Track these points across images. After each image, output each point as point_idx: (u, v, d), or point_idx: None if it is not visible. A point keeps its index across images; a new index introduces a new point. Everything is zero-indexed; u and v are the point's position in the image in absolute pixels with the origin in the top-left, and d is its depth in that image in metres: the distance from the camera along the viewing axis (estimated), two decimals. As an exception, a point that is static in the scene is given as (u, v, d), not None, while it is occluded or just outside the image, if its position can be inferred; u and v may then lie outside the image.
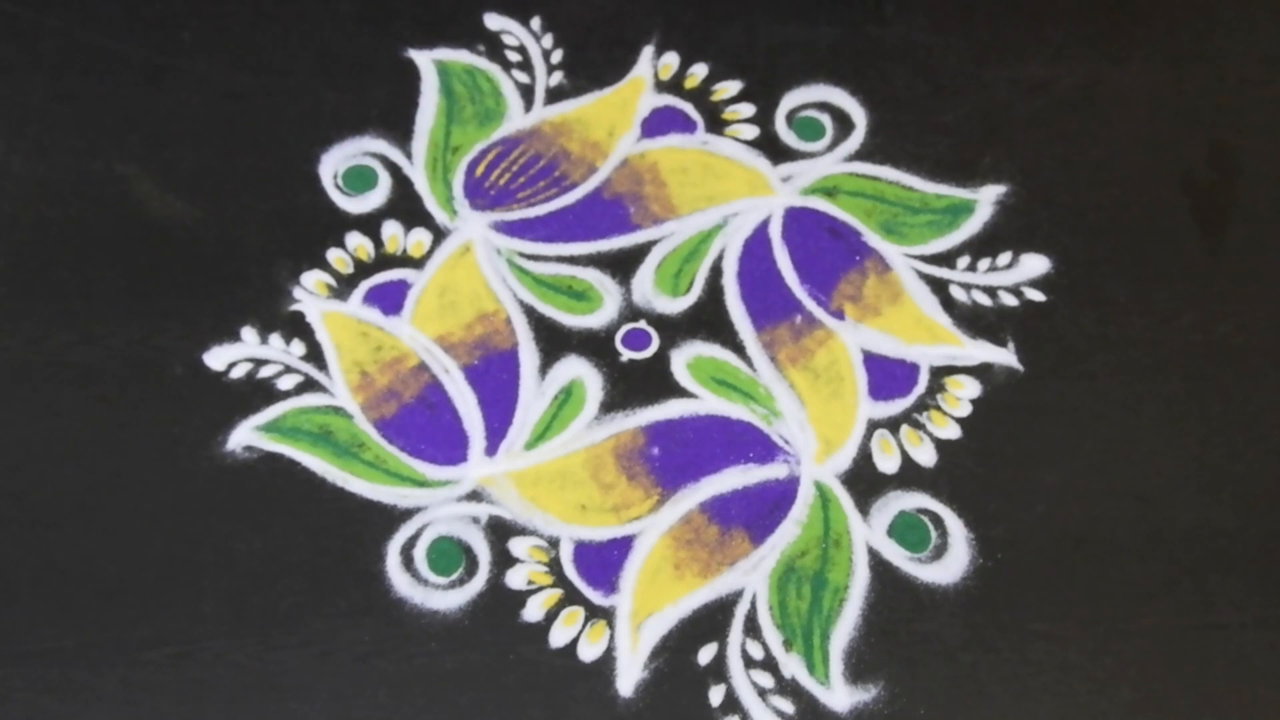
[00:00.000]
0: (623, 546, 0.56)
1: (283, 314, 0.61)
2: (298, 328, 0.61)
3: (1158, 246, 0.64)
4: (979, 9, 0.71)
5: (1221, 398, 0.60)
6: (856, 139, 0.67)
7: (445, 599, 0.55)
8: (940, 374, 0.61)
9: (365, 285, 0.62)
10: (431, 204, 0.65)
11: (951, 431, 0.59)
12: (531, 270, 0.63)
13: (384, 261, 0.63)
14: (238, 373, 0.59)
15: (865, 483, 0.58)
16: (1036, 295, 0.63)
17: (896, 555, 0.56)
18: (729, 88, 0.68)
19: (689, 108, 0.68)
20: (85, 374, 0.59)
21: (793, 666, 0.53)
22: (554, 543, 0.56)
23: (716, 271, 0.63)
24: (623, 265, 0.63)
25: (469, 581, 0.55)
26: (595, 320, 0.62)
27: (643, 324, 0.62)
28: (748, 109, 0.67)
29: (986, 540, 0.56)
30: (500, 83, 0.68)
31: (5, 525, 0.56)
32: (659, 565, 0.56)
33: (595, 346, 0.61)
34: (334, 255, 0.63)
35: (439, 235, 0.64)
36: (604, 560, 0.56)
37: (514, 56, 0.69)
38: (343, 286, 0.62)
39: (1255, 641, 0.54)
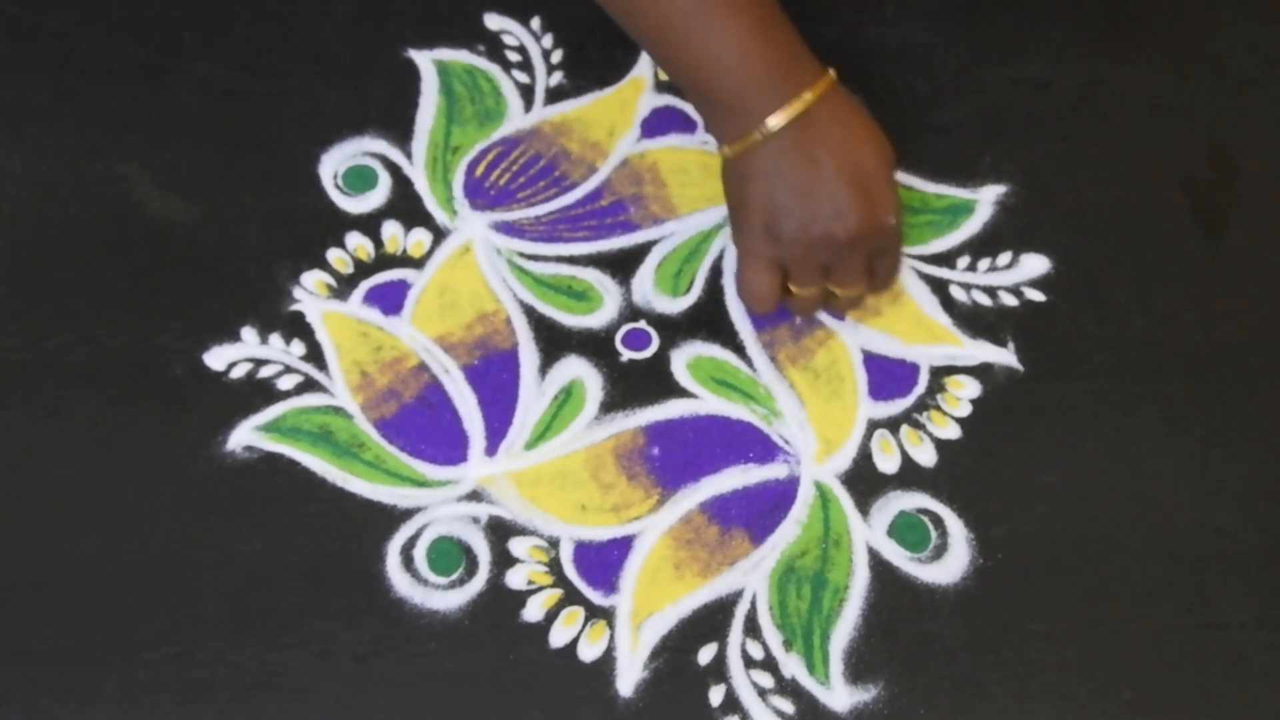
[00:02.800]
0: (623, 546, 0.56)
1: (283, 314, 0.61)
2: (298, 328, 0.61)
3: (1158, 246, 0.64)
4: (979, 9, 0.71)
5: (1221, 398, 0.60)
6: (856, 139, 0.67)
7: (445, 599, 0.55)
8: (940, 374, 0.61)
9: (365, 285, 0.62)
10: (431, 204, 0.65)
11: (951, 431, 0.59)
12: (531, 270, 0.63)
13: (384, 261, 0.63)
14: (238, 373, 0.60)
15: (865, 483, 0.58)
16: (1036, 295, 0.63)
17: (896, 555, 0.56)
18: (729, 88, 0.68)
19: (689, 108, 0.67)
20: (85, 374, 0.59)
21: (793, 666, 0.54)
22: (554, 543, 0.56)
23: (716, 271, 0.63)
24: (623, 265, 0.63)
25: (469, 581, 0.55)
26: (595, 320, 0.62)
27: (643, 324, 0.62)
28: (748, 109, 0.67)
29: (986, 540, 0.56)
30: (500, 83, 0.68)
31: (5, 525, 0.56)
32: (659, 565, 0.56)
33: (595, 346, 0.61)
34: (334, 255, 0.63)
35: (439, 235, 0.64)
36: (604, 560, 0.56)
37: (514, 56, 0.69)
38: (343, 286, 0.62)
39: (1255, 641, 0.54)
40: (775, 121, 0.53)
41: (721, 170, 0.57)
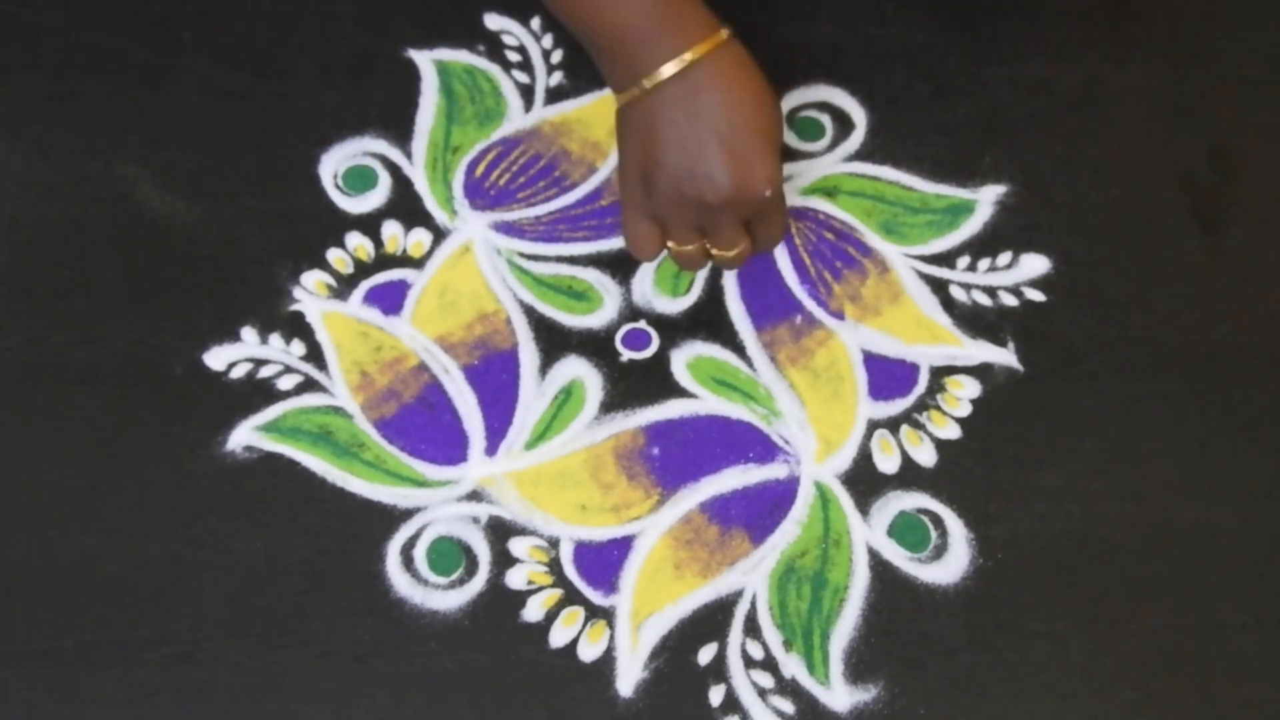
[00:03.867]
0: (623, 546, 0.56)
1: (283, 314, 0.61)
2: (298, 328, 0.61)
3: (1158, 246, 0.64)
4: (979, 9, 0.71)
5: (1221, 398, 0.60)
6: (856, 139, 0.67)
7: (445, 599, 0.55)
8: (940, 374, 0.61)
9: (365, 285, 0.62)
10: (431, 204, 0.65)
11: (951, 431, 0.59)
12: (531, 270, 0.63)
13: (384, 261, 0.63)
14: (238, 373, 0.60)
15: (865, 483, 0.58)
16: (1036, 295, 0.63)
17: (896, 555, 0.56)
18: (729, 88, 0.68)
19: (689, 108, 0.67)
20: (85, 374, 0.59)
21: (793, 666, 0.54)
22: (554, 543, 0.56)
23: (716, 271, 0.63)
24: (623, 265, 0.63)
25: (469, 581, 0.55)
26: (595, 320, 0.62)
27: (643, 324, 0.62)
28: (748, 109, 0.67)
29: (986, 540, 0.56)
30: (500, 83, 0.68)
31: (5, 525, 0.56)
32: (659, 565, 0.56)
33: (595, 346, 0.61)
34: (334, 255, 0.63)
35: (439, 235, 0.64)
36: (604, 560, 0.56)
37: (514, 56, 0.69)
38: (343, 286, 0.62)
39: (1255, 641, 0.54)
40: (659, 75, 0.53)
41: (615, 118, 0.57)
